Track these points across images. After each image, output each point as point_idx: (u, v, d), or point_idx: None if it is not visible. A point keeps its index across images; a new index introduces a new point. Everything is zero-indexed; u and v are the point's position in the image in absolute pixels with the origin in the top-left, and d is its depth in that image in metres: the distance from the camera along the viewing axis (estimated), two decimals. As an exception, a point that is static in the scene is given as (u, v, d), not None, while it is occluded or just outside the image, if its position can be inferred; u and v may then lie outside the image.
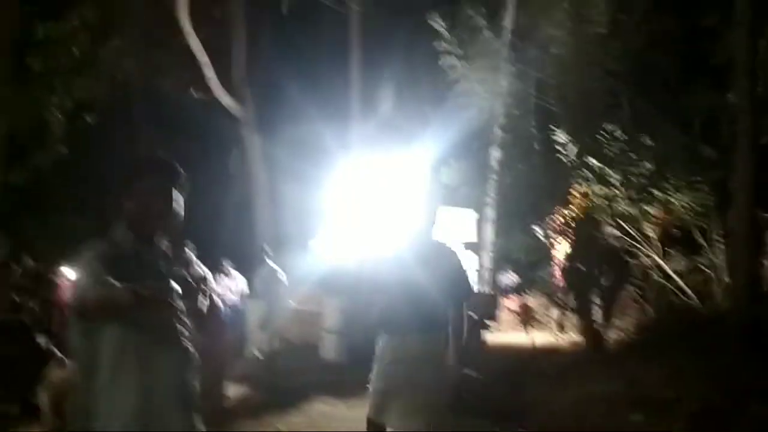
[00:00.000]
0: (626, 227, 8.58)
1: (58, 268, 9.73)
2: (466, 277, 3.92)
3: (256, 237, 14.62)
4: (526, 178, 11.80)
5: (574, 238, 8.77)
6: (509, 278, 12.17)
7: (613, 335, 8.95)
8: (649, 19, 11.06)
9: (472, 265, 13.77)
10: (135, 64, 15.31)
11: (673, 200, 8.52)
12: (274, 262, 8.31)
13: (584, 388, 7.05)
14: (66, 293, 8.74)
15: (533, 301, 11.67)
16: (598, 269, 8.51)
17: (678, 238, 8.59)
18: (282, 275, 8.18)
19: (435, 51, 12.61)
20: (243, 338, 8.80)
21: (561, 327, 10.03)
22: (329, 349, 9.63)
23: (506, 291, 11.69)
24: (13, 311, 7.95)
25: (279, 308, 8.28)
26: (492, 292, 12.36)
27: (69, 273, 9.44)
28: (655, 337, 8.09)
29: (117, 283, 2.07)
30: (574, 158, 8.94)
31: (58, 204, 15.18)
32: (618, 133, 8.99)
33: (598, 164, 8.64)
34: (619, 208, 8.54)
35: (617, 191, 8.55)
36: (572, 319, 9.65)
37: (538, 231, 10.19)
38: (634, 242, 8.57)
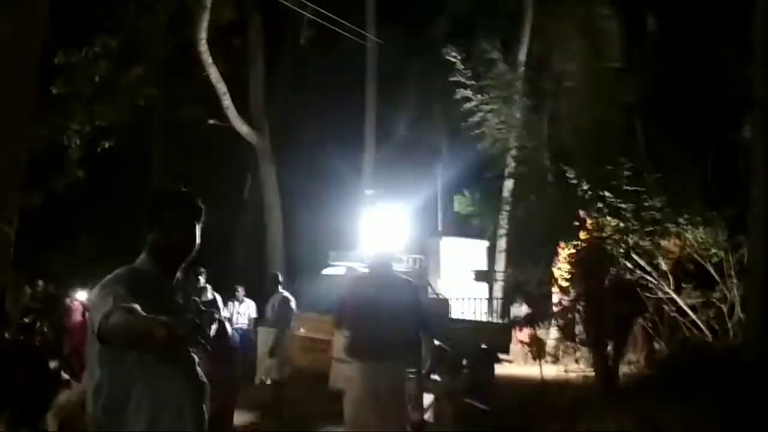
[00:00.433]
0: (639, 261, 8.51)
1: (71, 291, 9.80)
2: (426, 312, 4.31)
3: (268, 264, 14.66)
4: (538, 209, 11.76)
5: (586, 270, 8.71)
6: (521, 310, 12.07)
7: (625, 370, 8.84)
8: (665, 54, 11.13)
9: (482, 295, 13.72)
10: (154, 92, 15.57)
11: (687, 234, 8.47)
12: (286, 290, 8.33)
13: (595, 424, 6.96)
14: (78, 317, 8.80)
15: (545, 333, 11.55)
16: (612, 303, 8.43)
17: (692, 273, 8.51)
18: (293, 303, 8.19)
19: (449, 83, 12.72)
20: (252, 365, 8.78)
21: (574, 360, 9.91)
22: (338, 377, 9.57)
23: (518, 323, 11.58)
24: (25, 334, 7.99)
25: (289, 335, 8.27)
26: (504, 324, 12.28)
27: (82, 297, 9.51)
28: (668, 373, 7.98)
29: (143, 313, 2.11)
30: (588, 191, 8.92)
31: (73, 228, 15.36)
32: (632, 166, 8.98)
33: (612, 197, 8.62)
34: (633, 242, 8.49)
35: (630, 224, 8.51)
36: (584, 352, 9.54)
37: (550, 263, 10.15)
38: (647, 276, 8.51)
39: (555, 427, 7.27)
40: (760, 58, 7.96)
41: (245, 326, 9.12)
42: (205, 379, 2.38)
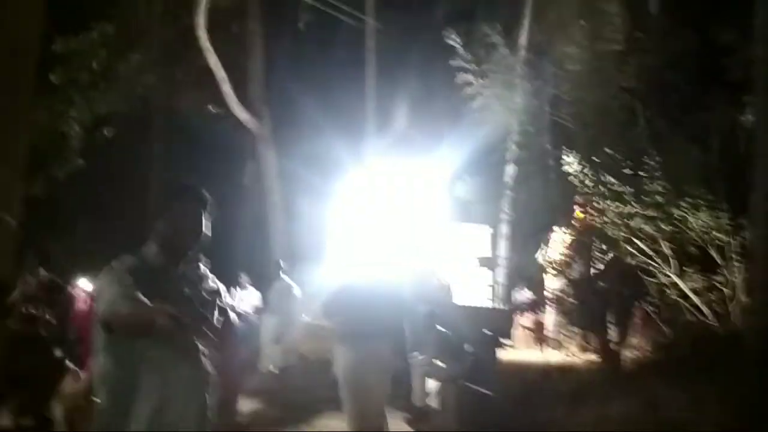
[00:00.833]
0: (641, 245, 8.51)
1: (74, 280, 9.80)
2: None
3: (271, 251, 14.66)
4: (541, 194, 11.76)
5: (587, 256, 8.71)
6: (524, 295, 12.09)
7: (629, 355, 8.86)
8: (666, 36, 11.04)
9: (485, 281, 13.73)
10: (154, 79, 15.48)
11: (689, 218, 8.46)
12: (289, 277, 8.33)
13: (600, 409, 6.98)
14: (83, 305, 8.80)
15: (548, 318, 11.57)
16: (614, 287, 8.44)
17: (694, 256, 8.51)
18: (296, 290, 8.19)
19: (450, 67, 12.66)
20: (257, 353, 8.80)
21: (577, 345, 9.94)
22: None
23: (521, 308, 11.62)
24: (29, 323, 7.99)
25: (293, 323, 8.28)
26: (507, 309, 12.29)
27: (86, 285, 9.51)
28: (672, 357, 8.00)
29: (148, 302, 2.16)
30: (589, 175, 8.90)
31: (75, 216, 15.34)
32: (633, 149, 8.96)
33: (614, 181, 8.60)
34: (634, 226, 8.48)
35: (632, 208, 8.49)
36: (588, 337, 9.57)
37: (550, 248, 10.15)
38: (649, 260, 8.50)
39: (559, 412, 7.29)
40: (761, 40, 7.90)
41: (249, 314, 9.12)
42: (209, 369, 2.41)
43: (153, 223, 2.49)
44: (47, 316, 8.44)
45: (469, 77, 12.44)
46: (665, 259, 8.43)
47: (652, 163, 8.82)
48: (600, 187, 8.71)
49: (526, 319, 11.85)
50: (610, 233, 8.57)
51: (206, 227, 2.52)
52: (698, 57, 11.63)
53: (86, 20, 13.37)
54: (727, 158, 9.77)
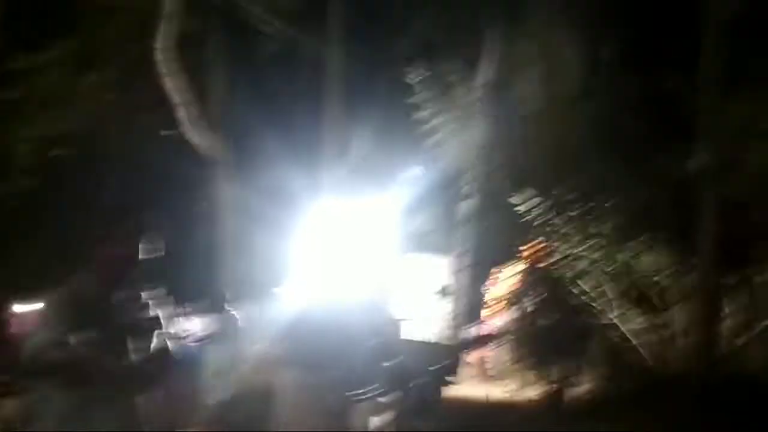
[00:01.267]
0: (584, 287, 8.67)
1: (12, 303, 9.51)
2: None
3: (220, 281, 14.45)
4: (495, 231, 11.92)
5: (533, 293, 8.84)
6: (472, 330, 12.12)
7: (570, 393, 8.95)
8: (618, 81, 11.41)
9: (436, 315, 13.76)
10: (111, 100, 15.30)
11: (633, 261, 8.66)
12: (236, 308, 8.23)
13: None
14: (19, 329, 8.55)
15: (494, 354, 11.62)
16: (558, 326, 8.56)
17: (638, 299, 8.69)
18: (241, 321, 8.10)
19: (409, 103, 12.84)
20: (200, 383, 8.63)
21: (521, 382, 9.99)
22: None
23: (469, 344, 11.63)
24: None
25: (239, 354, 8.17)
26: (454, 345, 12.31)
27: (23, 309, 9.23)
28: (612, 396, 8.11)
29: (76, 345, 2.10)
30: (538, 216, 9.07)
31: (17, 238, 14.93)
32: (582, 192, 9.16)
33: (561, 222, 8.78)
34: (580, 267, 8.64)
35: (578, 250, 8.67)
36: (531, 374, 9.64)
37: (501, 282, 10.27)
38: (593, 302, 8.66)
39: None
40: (708, 88, 8.24)
41: (194, 344, 8.95)
42: (144, 405, 2.36)
43: (88, 248, 2.43)
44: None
45: (427, 113, 12.63)
46: (609, 301, 8.60)
47: (599, 205, 9.03)
48: (548, 227, 8.88)
49: (472, 355, 11.88)
50: (556, 274, 8.71)
51: (145, 252, 2.45)
52: (649, 102, 12.02)
53: (44, 38, 13.24)
54: (675, 203, 10.06)
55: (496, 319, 10.36)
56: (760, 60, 9.06)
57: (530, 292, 8.91)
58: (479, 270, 13.19)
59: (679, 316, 8.35)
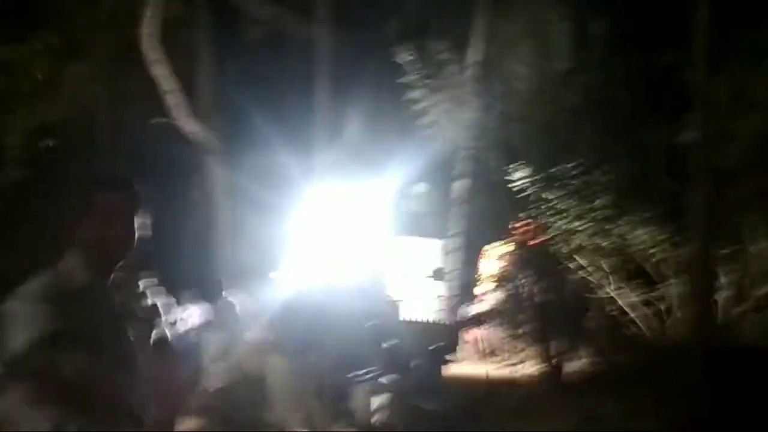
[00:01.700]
0: (581, 262, 8.68)
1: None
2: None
3: (216, 267, 14.43)
4: (489, 209, 11.92)
5: (530, 270, 8.84)
6: (470, 309, 12.17)
7: (570, 368, 9.00)
8: (609, 56, 11.36)
9: (433, 295, 13.80)
10: (99, 89, 15.16)
11: (628, 235, 8.67)
12: (232, 294, 8.22)
13: (542, 423, 7.06)
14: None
15: (492, 332, 11.66)
16: (555, 301, 8.58)
17: (634, 272, 8.71)
18: (239, 306, 8.09)
19: (401, 83, 12.76)
20: (200, 370, 8.64)
21: (519, 359, 10.04)
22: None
23: (467, 323, 11.68)
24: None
25: (236, 340, 8.16)
26: (453, 324, 12.35)
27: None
28: (611, 370, 8.15)
29: (58, 344, 1.78)
30: (534, 191, 9.06)
31: (9, 228, 14.84)
32: (577, 167, 9.15)
33: (556, 197, 8.77)
34: (576, 243, 8.65)
35: (574, 225, 8.67)
36: (530, 351, 9.69)
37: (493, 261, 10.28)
38: (590, 276, 8.68)
39: (502, 427, 7.35)
40: (700, 62, 8.20)
41: (191, 332, 8.95)
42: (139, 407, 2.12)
43: (74, 226, 2.00)
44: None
45: (419, 93, 12.55)
46: (605, 275, 8.62)
47: (595, 180, 9.02)
48: (542, 204, 8.87)
49: (471, 334, 11.93)
50: (553, 249, 8.72)
51: (142, 229, 2.05)
52: (640, 76, 11.98)
53: (29, 29, 13.07)
54: (667, 176, 10.05)
55: (492, 297, 10.38)
56: (750, 32, 9.05)
57: (525, 269, 8.92)
58: (473, 249, 13.21)
59: (675, 289, 8.37)
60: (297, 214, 12.26)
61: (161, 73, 13.78)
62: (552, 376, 8.62)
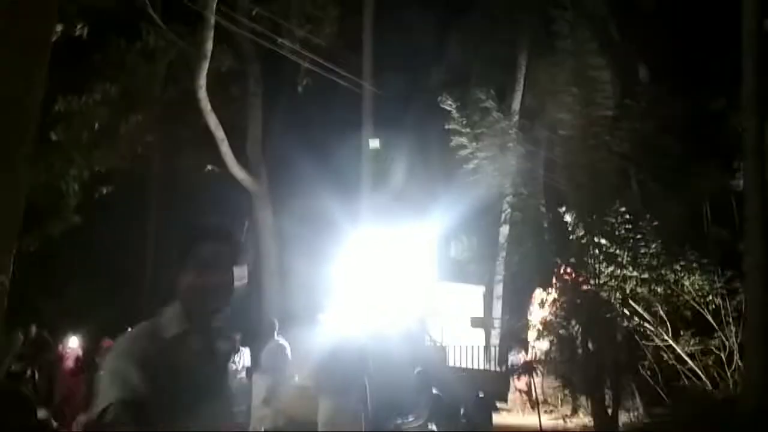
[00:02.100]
0: (637, 308, 8.48)
1: (63, 338, 9.68)
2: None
3: (265, 310, 14.55)
4: (534, 255, 11.78)
5: (579, 318, 8.65)
6: (519, 357, 11.94)
7: (624, 419, 8.71)
8: (656, 103, 11.30)
9: (479, 342, 13.60)
10: (153, 138, 15.69)
11: (684, 281, 8.47)
12: (282, 337, 8.25)
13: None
14: (70, 364, 8.67)
15: (543, 380, 11.39)
16: (609, 351, 8.36)
17: (690, 320, 8.48)
18: (288, 350, 8.10)
19: (445, 130, 12.87)
20: (247, 413, 8.63)
21: (572, 409, 9.77)
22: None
23: (516, 370, 11.45)
24: (15, 381, 7.85)
25: (284, 383, 8.15)
26: (502, 371, 12.14)
27: (74, 343, 9.37)
28: (668, 422, 7.87)
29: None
30: (583, 237, 8.94)
31: (68, 274, 15.28)
32: (626, 213, 9.03)
33: (607, 243, 8.64)
34: (630, 288, 8.47)
35: (627, 271, 8.51)
36: (583, 401, 9.42)
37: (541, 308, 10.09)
38: (644, 323, 8.46)
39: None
40: (748, 109, 8.11)
41: (241, 374, 8.99)
42: None
43: (175, 275, 2.01)
44: (34, 375, 8.32)
45: (463, 140, 12.63)
46: (660, 322, 8.40)
47: (646, 226, 8.88)
48: (594, 249, 8.75)
49: (521, 382, 11.67)
50: (604, 295, 8.55)
51: (239, 278, 2.06)
52: (688, 123, 11.88)
53: (88, 80, 13.68)
54: (719, 221, 9.87)
55: (542, 345, 10.18)
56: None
57: (576, 316, 8.75)
58: (519, 296, 13.03)
59: (733, 337, 8.11)
60: (344, 257, 12.34)
61: (214, 122, 14.21)
62: (605, 427, 8.35)
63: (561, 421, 9.67)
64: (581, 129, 11.35)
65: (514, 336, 12.50)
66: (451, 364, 11.12)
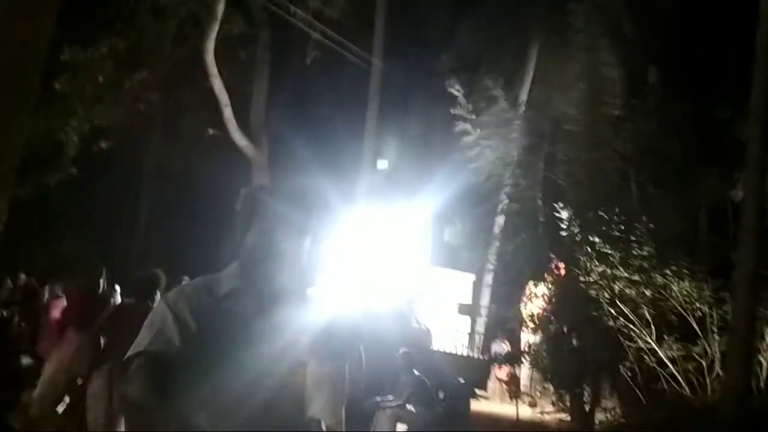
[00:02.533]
0: (623, 308, 8.53)
1: (53, 285, 9.66)
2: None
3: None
4: (527, 247, 11.80)
5: (566, 313, 8.71)
6: (501, 346, 12.03)
7: (601, 417, 8.79)
8: (663, 106, 11.27)
9: (464, 329, 13.68)
10: (157, 97, 15.59)
11: (672, 286, 8.50)
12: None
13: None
14: (56, 314, 8.67)
15: (524, 372, 11.49)
16: (592, 347, 8.43)
17: (675, 325, 8.53)
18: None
19: (450, 115, 12.83)
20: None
21: (551, 403, 9.86)
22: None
23: (498, 359, 11.54)
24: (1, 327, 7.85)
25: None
26: (484, 359, 12.23)
27: (62, 291, 9.33)
28: (645, 424, 7.95)
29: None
30: (577, 234, 8.96)
31: (61, 224, 15.28)
32: (623, 213, 9.04)
33: (601, 242, 8.66)
34: (618, 289, 8.51)
35: (617, 271, 8.54)
36: (562, 395, 9.50)
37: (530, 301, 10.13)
38: (630, 324, 8.51)
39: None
40: (755, 118, 8.08)
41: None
42: None
43: (241, 232, 1.85)
44: (21, 322, 8.33)
45: (468, 127, 12.59)
46: (646, 325, 8.45)
47: (641, 228, 8.90)
48: (587, 247, 8.77)
49: (502, 372, 11.76)
50: (593, 294, 8.58)
51: (312, 243, 1.86)
52: (693, 128, 11.85)
53: (96, 32, 13.55)
54: (714, 230, 9.89)
55: (528, 337, 10.25)
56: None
57: (563, 311, 8.80)
58: (509, 286, 13.08)
59: (718, 346, 8.17)
60: (336, 235, 12.35)
61: (219, 86, 14.12)
62: (582, 424, 8.44)
63: (538, 414, 9.76)
64: (586, 126, 11.33)
65: (500, 325, 12.58)
66: (435, 348, 11.19)
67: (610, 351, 8.53)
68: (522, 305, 10.15)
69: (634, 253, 8.57)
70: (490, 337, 13.19)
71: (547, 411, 9.59)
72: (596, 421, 8.67)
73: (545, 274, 9.95)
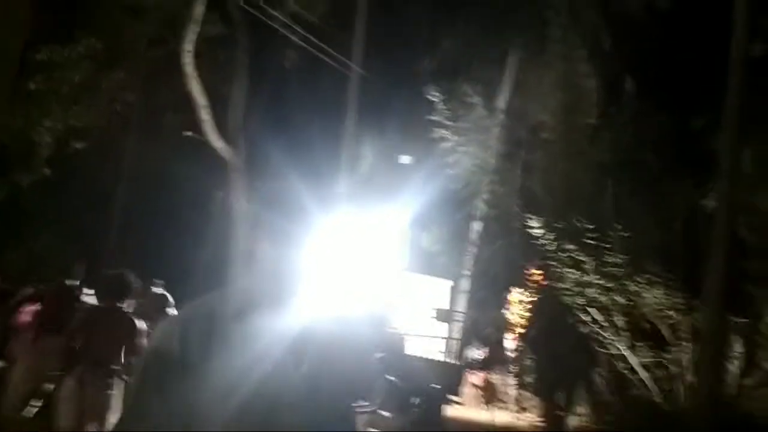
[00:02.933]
0: (596, 315, 8.63)
1: (25, 289, 9.49)
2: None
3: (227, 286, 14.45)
4: (503, 254, 11.90)
5: (541, 320, 8.79)
6: (476, 352, 12.08)
7: (573, 422, 8.88)
8: (639, 116, 11.44)
9: (440, 334, 13.70)
10: (133, 97, 15.44)
11: (645, 294, 8.62)
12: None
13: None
14: (27, 318, 8.53)
15: (498, 378, 11.55)
16: (566, 354, 8.51)
17: (647, 332, 8.64)
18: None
19: (428, 121, 12.91)
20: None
21: (523, 408, 9.93)
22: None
23: (472, 365, 11.59)
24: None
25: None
26: (458, 365, 12.26)
27: (34, 293, 9.19)
28: (615, 428, 8.04)
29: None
30: (553, 241, 9.05)
31: (34, 225, 15.03)
32: (597, 222, 9.16)
33: (575, 249, 8.76)
34: (591, 296, 8.61)
35: (591, 278, 8.64)
36: (535, 400, 9.58)
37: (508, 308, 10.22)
38: (602, 330, 8.61)
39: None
40: (728, 132, 8.24)
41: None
42: None
43: (250, 243, 1.74)
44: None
45: (446, 133, 12.68)
46: (617, 332, 8.55)
47: (614, 236, 9.01)
48: (560, 253, 8.86)
49: (476, 377, 11.81)
50: (567, 300, 8.67)
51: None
52: (668, 139, 12.02)
53: (73, 32, 13.40)
54: (686, 240, 10.02)
55: (502, 342, 10.32)
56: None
57: (538, 317, 8.88)
58: (484, 292, 13.16)
59: (688, 354, 8.29)
60: (311, 241, 12.32)
61: (196, 88, 14.02)
62: (554, 428, 8.51)
63: (512, 419, 9.83)
64: (562, 134, 11.48)
65: (475, 331, 12.63)
66: (408, 352, 11.19)
67: (584, 357, 8.62)
68: (503, 311, 10.23)
69: (609, 260, 8.67)
70: (465, 342, 13.23)
71: (521, 416, 9.67)
72: (569, 425, 8.76)
73: (521, 281, 10.05)
